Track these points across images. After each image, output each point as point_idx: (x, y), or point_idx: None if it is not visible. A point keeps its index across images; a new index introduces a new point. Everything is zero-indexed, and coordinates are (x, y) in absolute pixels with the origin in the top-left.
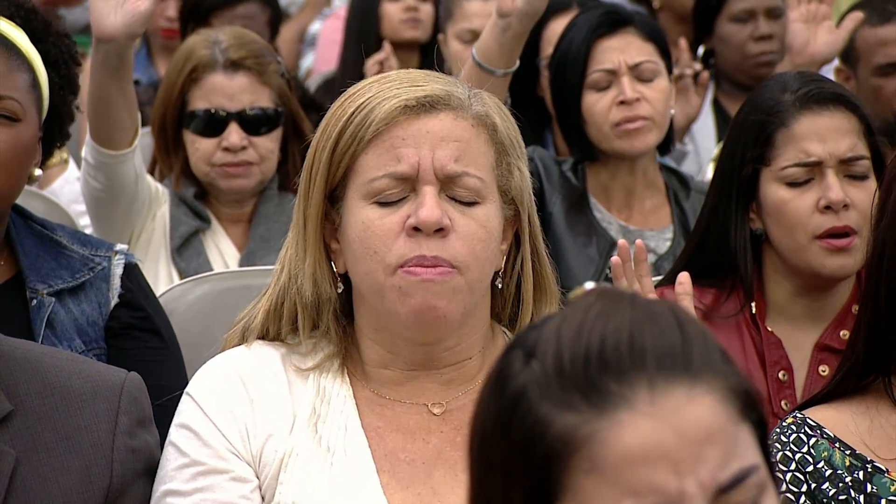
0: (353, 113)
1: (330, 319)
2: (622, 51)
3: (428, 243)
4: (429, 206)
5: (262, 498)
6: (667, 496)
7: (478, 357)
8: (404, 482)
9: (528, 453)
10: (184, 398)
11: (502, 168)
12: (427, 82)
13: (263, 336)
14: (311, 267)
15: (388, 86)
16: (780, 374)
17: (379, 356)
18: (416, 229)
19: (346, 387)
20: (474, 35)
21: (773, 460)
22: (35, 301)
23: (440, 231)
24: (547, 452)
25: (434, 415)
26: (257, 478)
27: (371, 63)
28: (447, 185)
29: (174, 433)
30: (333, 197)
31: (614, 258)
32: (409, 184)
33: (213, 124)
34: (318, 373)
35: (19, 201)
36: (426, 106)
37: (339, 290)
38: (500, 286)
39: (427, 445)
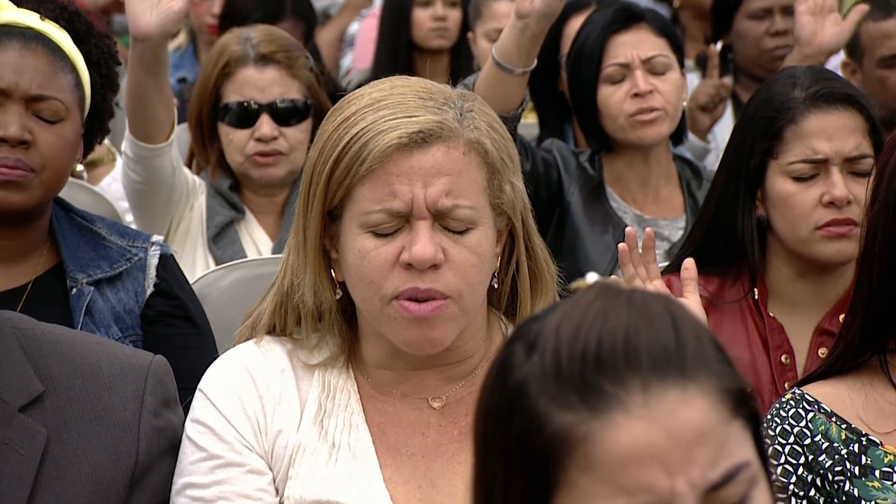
0: (348, 143)
1: (332, 322)
2: (635, 45)
3: (422, 277)
4: (422, 243)
5: (277, 491)
6: (658, 495)
7: (478, 352)
8: (405, 476)
9: (526, 446)
10: (197, 394)
11: (494, 187)
12: (420, 111)
13: (271, 330)
14: (311, 280)
15: (382, 115)
16: (783, 358)
17: (379, 357)
18: (411, 265)
19: (350, 382)
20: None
21: (770, 438)
22: (75, 290)
23: (433, 266)
24: (545, 448)
25: (433, 409)
26: (271, 471)
27: None
28: (440, 217)
29: (189, 428)
30: (332, 214)
31: (621, 245)
32: (404, 217)
33: (245, 116)
34: (324, 368)
35: (66, 194)
36: (418, 142)
37: (338, 297)
38: (496, 285)
39: (426, 440)
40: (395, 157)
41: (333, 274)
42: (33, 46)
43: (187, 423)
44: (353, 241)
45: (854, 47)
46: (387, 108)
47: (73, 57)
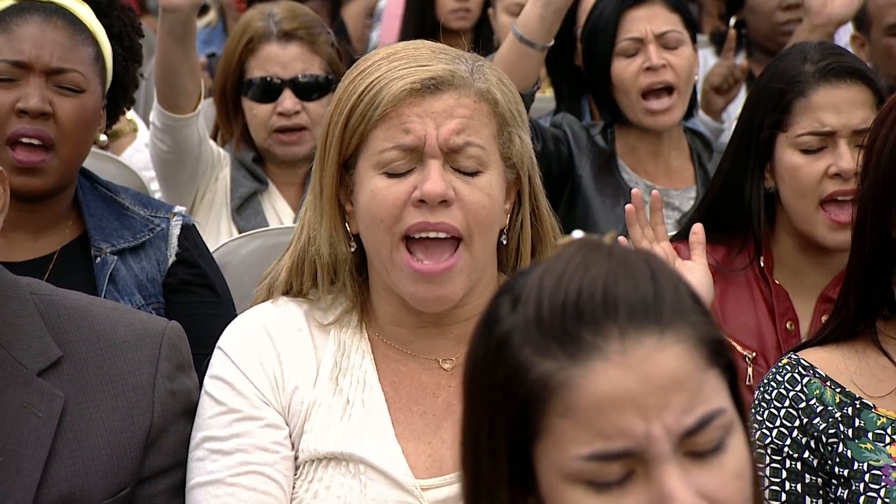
0: (363, 92)
1: (346, 277)
2: (649, 20)
3: (433, 212)
4: (433, 179)
5: (292, 445)
6: (634, 439)
7: None
8: (416, 432)
9: (509, 394)
10: (216, 352)
11: (503, 137)
12: (432, 61)
13: (287, 291)
14: (327, 230)
15: (395, 65)
16: (788, 324)
17: (391, 313)
18: (422, 201)
19: (364, 342)
20: (522, 9)
21: (766, 402)
22: (99, 259)
23: (444, 202)
24: (526, 395)
25: (444, 370)
26: (287, 426)
27: None
28: (451, 157)
29: (209, 384)
30: (347, 164)
31: (628, 206)
32: (416, 155)
33: (268, 91)
34: (339, 327)
35: (93, 165)
36: (431, 88)
37: (353, 250)
38: (504, 242)
39: (437, 400)
40: (407, 102)
41: (348, 227)
42: (54, 20)
43: (206, 380)
44: (367, 182)
45: (861, 19)
46: (400, 59)
47: (94, 30)
